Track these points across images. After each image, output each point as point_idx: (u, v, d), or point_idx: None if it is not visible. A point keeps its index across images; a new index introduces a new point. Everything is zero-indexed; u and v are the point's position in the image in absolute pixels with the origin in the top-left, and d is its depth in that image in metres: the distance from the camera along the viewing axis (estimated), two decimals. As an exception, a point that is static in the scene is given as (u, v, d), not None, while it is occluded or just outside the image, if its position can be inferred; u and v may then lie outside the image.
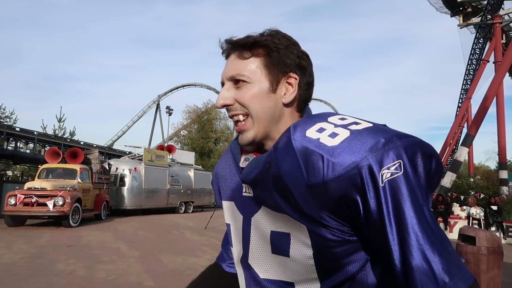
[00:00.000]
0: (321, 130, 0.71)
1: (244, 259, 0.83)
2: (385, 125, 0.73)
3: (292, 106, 0.82)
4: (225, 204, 0.91)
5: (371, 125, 0.70)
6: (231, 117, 0.82)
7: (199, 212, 20.12)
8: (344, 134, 0.68)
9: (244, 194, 0.83)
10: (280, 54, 0.80)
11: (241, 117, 0.80)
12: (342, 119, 0.74)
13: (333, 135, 0.69)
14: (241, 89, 0.80)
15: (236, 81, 0.80)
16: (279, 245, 0.76)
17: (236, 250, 0.88)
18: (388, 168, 0.63)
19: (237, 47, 0.81)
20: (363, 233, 0.68)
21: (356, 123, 0.71)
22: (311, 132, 0.71)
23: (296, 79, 0.81)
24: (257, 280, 0.80)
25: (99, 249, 7.81)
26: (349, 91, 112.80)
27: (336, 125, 0.71)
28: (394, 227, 0.63)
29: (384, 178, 0.63)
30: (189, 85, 42.28)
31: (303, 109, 0.84)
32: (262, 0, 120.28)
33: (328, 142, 0.68)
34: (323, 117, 0.76)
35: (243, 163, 0.84)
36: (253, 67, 0.79)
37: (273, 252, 0.77)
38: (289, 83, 0.81)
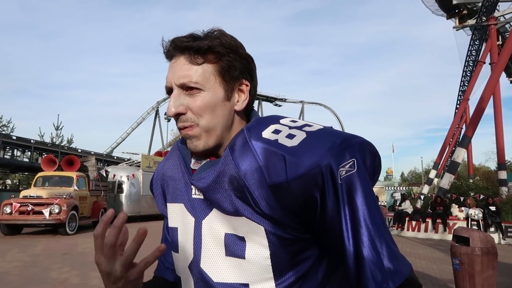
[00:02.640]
0: (276, 131, 0.72)
1: (195, 264, 0.78)
2: (331, 127, 0.75)
3: (242, 113, 0.81)
4: (173, 206, 0.86)
5: (322, 127, 0.74)
6: (182, 128, 0.77)
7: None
8: (301, 135, 0.70)
9: (193, 196, 0.80)
10: (231, 60, 0.77)
11: (194, 127, 0.76)
12: (294, 121, 0.76)
13: (290, 136, 0.70)
14: (193, 97, 0.75)
15: (188, 88, 0.75)
16: (234, 247, 0.73)
17: (183, 256, 0.82)
18: (343, 166, 0.67)
19: (187, 51, 0.76)
20: (316, 229, 0.71)
21: (309, 125, 0.74)
22: (267, 134, 0.72)
23: (247, 85, 0.80)
24: (210, 284, 0.76)
25: (95, 256, 7.76)
26: (346, 94, 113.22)
27: (290, 127, 0.73)
28: (349, 220, 0.67)
29: (341, 176, 0.66)
30: (187, 91, 42.37)
31: (249, 113, 0.83)
32: (259, 6, 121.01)
33: (288, 143, 0.69)
34: (275, 119, 0.77)
35: (194, 165, 0.81)
36: (206, 74, 0.75)
37: (227, 255, 0.74)
38: (241, 90, 0.79)
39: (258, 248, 0.72)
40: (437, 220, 12.49)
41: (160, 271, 0.94)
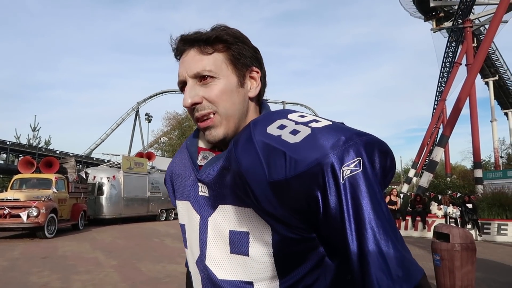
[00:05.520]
0: (282, 127, 0.70)
1: (201, 261, 0.80)
2: (343, 123, 0.73)
3: (255, 100, 0.83)
4: (181, 204, 0.87)
5: (331, 123, 0.70)
6: (200, 117, 0.77)
7: (180, 219, 19.84)
8: (305, 131, 0.67)
9: (200, 193, 0.80)
10: (240, 48, 0.79)
11: (211, 116, 0.77)
12: (302, 116, 0.73)
13: (294, 132, 0.68)
14: (208, 86, 0.77)
15: (202, 78, 0.77)
16: (238, 244, 0.74)
17: (191, 252, 0.84)
18: (348, 165, 0.63)
19: (197, 43, 0.78)
20: (321, 230, 0.68)
21: (316, 121, 0.71)
22: (272, 129, 0.70)
23: (258, 72, 0.82)
24: (214, 281, 0.76)
25: (75, 259, 7.60)
26: (329, 95, 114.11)
27: (296, 123, 0.70)
28: (353, 223, 0.63)
29: (344, 175, 0.63)
30: (168, 91, 41.87)
31: (261, 104, 0.85)
32: (241, 6, 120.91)
33: (290, 139, 0.67)
34: (283, 114, 0.74)
35: (201, 161, 0.81)
36: (218, 63, 0.77)
37: (232, 252, 0.75)
38: (252, 77, 0.81)
39: (262, 245, 0.71)
40: (417, 218, 12.76)
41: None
